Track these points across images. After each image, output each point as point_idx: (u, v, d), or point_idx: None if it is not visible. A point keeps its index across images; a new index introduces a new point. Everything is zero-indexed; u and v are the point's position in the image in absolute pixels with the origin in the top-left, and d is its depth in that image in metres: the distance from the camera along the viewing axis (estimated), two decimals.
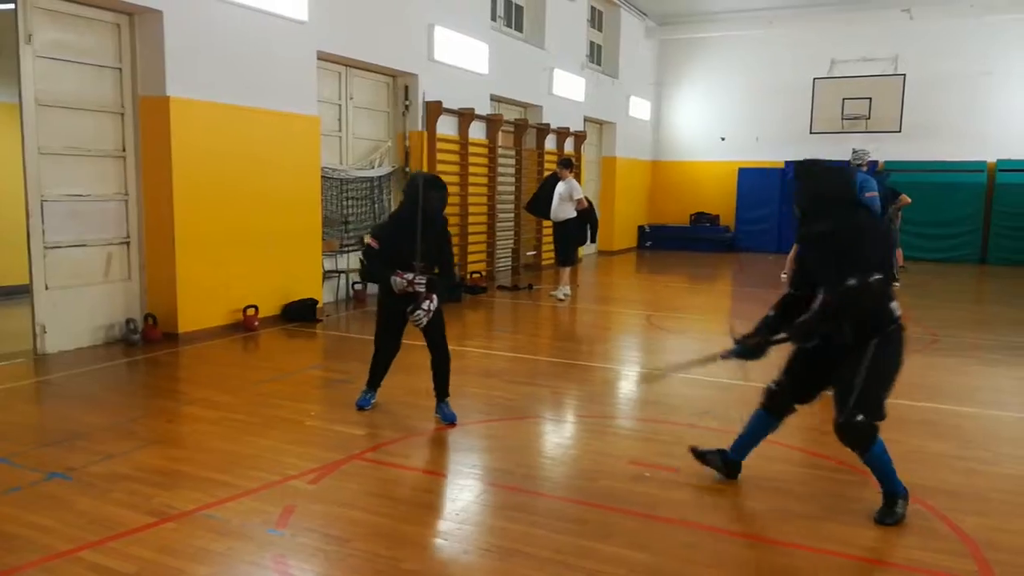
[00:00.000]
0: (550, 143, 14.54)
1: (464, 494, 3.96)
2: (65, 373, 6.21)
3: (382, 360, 5.26)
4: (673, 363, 3.82)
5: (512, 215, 13.57)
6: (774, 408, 3.92)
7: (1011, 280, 13.82)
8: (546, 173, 14.31)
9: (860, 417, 3.46)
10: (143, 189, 7.29)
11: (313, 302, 8.62)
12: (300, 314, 8.44)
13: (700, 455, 4.13)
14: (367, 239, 5.02)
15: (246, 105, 7.85)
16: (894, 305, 3.58)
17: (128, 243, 7.33)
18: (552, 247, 11.26)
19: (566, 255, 10.81)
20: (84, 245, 6.97)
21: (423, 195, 4.78)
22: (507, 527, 3.56)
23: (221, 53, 7.54)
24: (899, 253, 13.16)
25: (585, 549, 3.33)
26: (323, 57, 9.06)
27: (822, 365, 3.71)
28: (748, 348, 3.78)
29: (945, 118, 16.78)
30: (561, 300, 10.51)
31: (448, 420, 5.04)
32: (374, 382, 5.34)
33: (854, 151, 7.92)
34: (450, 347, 5.13)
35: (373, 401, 5.35)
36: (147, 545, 3.29)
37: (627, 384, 6.58)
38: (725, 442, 4.13)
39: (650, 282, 14.28)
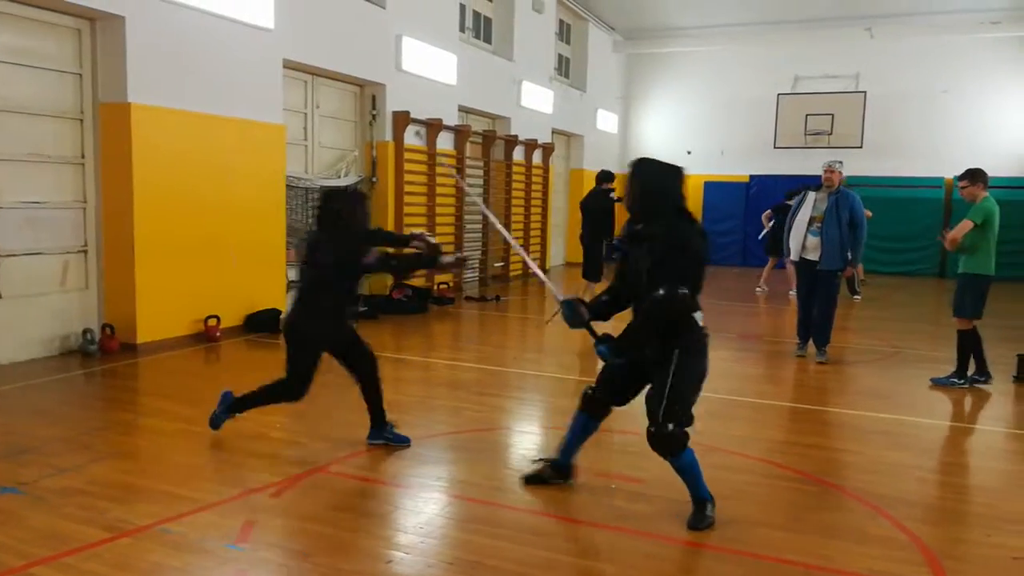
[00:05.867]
0: (518, 154, 14.59)
1: (428, 507, 3.93)
2: (18, 384, 6.04)
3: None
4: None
5: (480, 226, 13.55)
6: (592, 410, 4.05)
7: None
8: (515, 185, 14.40)
9: (671, 427, 3.56)
10: (102, 197, 7.15)
11: (277, 312, 8.50)
12: (263, 325, 8.31)
13: (533, 478, 4.16)
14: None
15: (210, 112, 7.75)
16: (698, 316, 3.66)
17: (86, 251, 7.18)
18: (583, 262, 11.19)
19: None
20: (40, 253, 6.81)
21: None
22: (471, 540, 3.54)
23: (185, 60, 7.44)
24: (859, 267, 13.38)
25: (550, 561, 3.32)
26: (289, 65, 8.99)
27: (636, 369, 3.80)
28: (575, 320, 3.78)
29: (905, 135, 17.20)
30: None
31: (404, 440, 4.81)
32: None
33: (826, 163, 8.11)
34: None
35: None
36: (102, 561, 3.21)
37: None
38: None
39: None
